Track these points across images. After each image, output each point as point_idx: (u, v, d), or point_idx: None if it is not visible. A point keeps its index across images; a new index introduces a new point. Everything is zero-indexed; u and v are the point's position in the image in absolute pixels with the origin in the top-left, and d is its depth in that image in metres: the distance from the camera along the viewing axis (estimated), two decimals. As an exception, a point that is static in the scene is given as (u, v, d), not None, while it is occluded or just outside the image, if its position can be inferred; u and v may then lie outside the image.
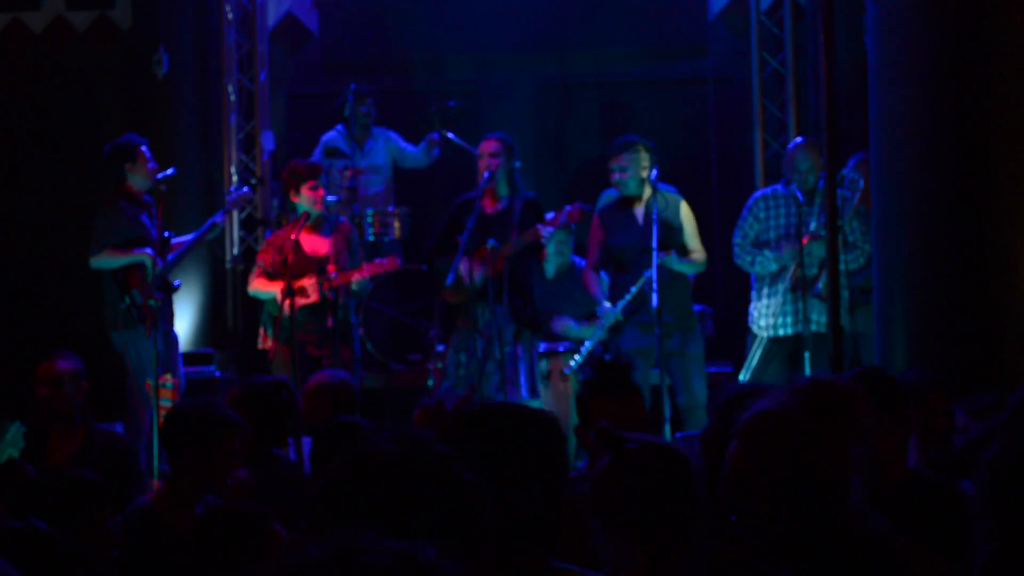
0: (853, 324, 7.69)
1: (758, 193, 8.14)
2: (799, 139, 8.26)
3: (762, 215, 7.92)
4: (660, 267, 7.27)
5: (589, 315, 8.44)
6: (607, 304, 7.59)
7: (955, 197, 5.83)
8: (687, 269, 7.74)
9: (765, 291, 7.89)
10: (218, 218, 8.30)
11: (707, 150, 10.08)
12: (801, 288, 7.62)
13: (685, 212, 7.81)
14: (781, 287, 7.80)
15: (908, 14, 5.96)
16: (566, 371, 7.70)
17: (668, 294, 7.36)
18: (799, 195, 7.71)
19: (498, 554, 2.37)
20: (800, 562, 2.56)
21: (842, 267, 7.47)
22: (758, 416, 2.70)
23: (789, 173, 7.92)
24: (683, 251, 7.68)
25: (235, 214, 10.10)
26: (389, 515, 2.18)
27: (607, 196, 9.53)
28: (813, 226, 7.68)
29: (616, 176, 7.74)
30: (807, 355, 7.57)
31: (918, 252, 5.93)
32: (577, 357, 7.63)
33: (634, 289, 7.38)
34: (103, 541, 3.76)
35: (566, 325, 8.34)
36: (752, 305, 7.98)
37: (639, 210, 7.70)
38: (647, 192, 7.68)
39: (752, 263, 7.86)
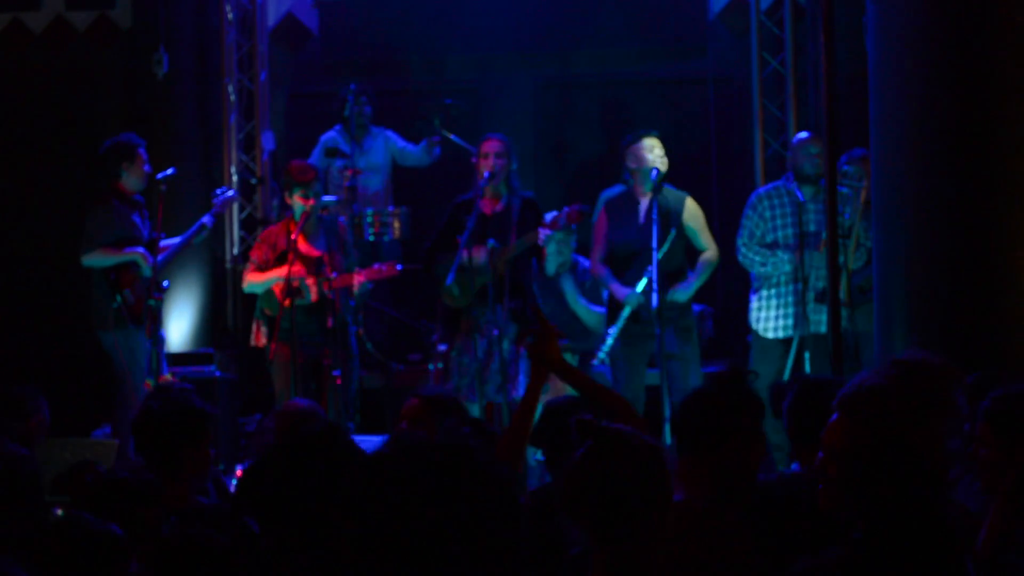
0: (853, 324, 7.65)
1: (761, 190, 8.02)
2: (805, 133, 8.15)
3: (767, 214, 7.79)
4: (660, 268, 7.23)
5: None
6: (626, 288, 7.50)
7: (955, 197, 5.82)
8: (700, 283, 7.62)
9: (773, 291, 7.79)
10: (206, 220, 8.30)
11: (707, 150, 10.06)
12: (824, 296, 7.54)
13: (691, 209, 7.70)
14: (791, 288, 7.68)
15: (908, 14, 5.95)
16: (594, 363, 7.58)
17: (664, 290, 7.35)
18: (799, 195, 7.68)
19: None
20: (889, 539, 2.56)
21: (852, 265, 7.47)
22: (860, 389, 2.70)
23: (801, 161, 7.78)
24: (681, 252, 7.57)
25: (235, 214, 10.10)
26: (428, 511, 2.18)
27: (608, 195, 9.53)
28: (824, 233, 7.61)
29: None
30: (807, 355, 7.56)
31: (918, 251, 5.91)
32: (604, 347, 7.49)
33: (641, 284, 7.36)
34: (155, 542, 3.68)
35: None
36: (756, 306, 7.83)
37: (643, 207, 7.61)
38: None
39: (764, 263, 7.75)
